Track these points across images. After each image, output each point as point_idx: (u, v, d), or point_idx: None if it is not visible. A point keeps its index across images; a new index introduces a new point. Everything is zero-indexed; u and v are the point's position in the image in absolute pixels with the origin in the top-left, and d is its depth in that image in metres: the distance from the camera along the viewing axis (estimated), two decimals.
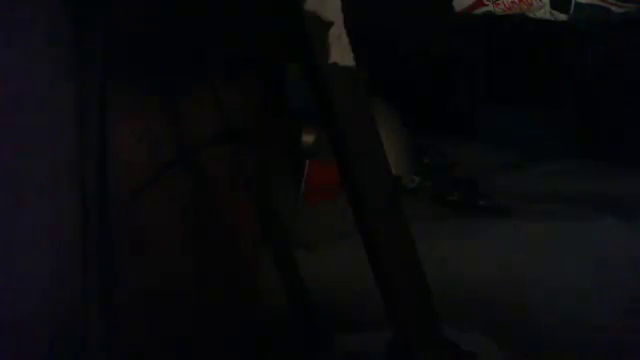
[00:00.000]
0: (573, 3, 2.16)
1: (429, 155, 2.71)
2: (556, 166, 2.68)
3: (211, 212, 1.75)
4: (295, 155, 2.33)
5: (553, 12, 2.16)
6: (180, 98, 1.63)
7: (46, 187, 1.23)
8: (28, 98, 1.18)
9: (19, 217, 1.17)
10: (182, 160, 1.63)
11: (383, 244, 1.15)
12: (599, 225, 2.16)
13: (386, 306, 1.18)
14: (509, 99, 3.02)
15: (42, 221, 1.23)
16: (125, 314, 1.41)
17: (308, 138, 2.29)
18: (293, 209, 2.23)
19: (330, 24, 1.10)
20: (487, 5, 2.14)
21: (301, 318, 1.62)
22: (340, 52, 1.11)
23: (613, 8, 2.17)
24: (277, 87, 2.36)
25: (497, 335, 1.60)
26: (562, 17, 2.17)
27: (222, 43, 1.59)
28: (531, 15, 2.18)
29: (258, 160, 1.77)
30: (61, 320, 1.28)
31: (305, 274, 1.63)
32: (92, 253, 1.32)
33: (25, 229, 1.19)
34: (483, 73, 3.10)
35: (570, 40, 2.71)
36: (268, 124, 2.15)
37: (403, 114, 2.58)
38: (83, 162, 1.32)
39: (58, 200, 1.27)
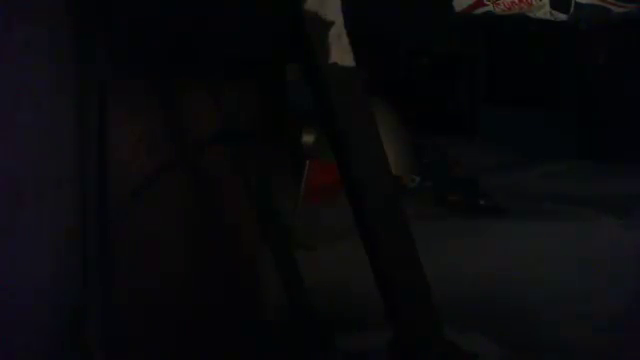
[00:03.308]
0: (573, 3, 2.16)
1: (429, 155, 2.71)
2: (556, 166, 2.69)
3: (211, 212, 1.75)
4: (295, 155, 2.33)
5: (553, 12, 2.16)
6: (180, 98, 1.63)
7: (46, 187, 1.23)
8: (28, 98, 1.18)
9: (19, 217, 1.17)
10: (182, 160, 1.63)
11: (383, 244, 1.16)
12: (599, 225, 2.16)
13: (386, 306, 1.18)
14: (509, 99, 3.02)
15: (42, 221, 1.23)
16: (125, 314, 1.41)
17: (308, 138, 2.30)
18: (293, 209, 2.23)
19: (330, 24, 1.10)
20: (487, 5, 2.14)
21: (301, 318, 1.62)
22: (340, 52, 1.11)
23: (613, 8, 2.17)
24: (277, 87, 2.36)
25: (497, 335, 1.60)
26: (562, 17, 2.17)
27: (222, 43, 1.59)
28: (531, 15, 2.18)
29: (258, 160, 1.77)
30: (61, 320, 1.28)
31: (305, 274, 1.63)
32: (92, 253, 1.32)
33: (25, 229, 1.19)
34: (483, 73, 3.10)
35: (570, 40, 2.71)
36: (268, 124, 2.15)
37: (403, 114, 2.58)
38: (83, 162, 1.32)
39: (58, 200, 1.27)
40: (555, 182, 2.55)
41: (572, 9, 2.16)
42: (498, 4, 2.14)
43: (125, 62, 1.39)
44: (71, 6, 1.27)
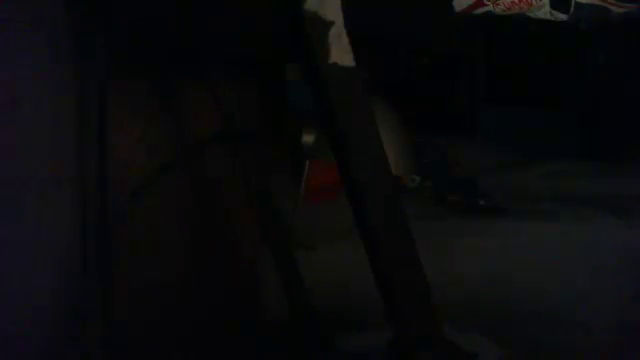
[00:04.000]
0: (573, 3, 2.16)
1: (429, 155, 2.71)
2: (556, 166, 2.69)
3: (211, 212, 1.75)
4: (295, 155, 2.33)
5: (553, 12, 2.16)
6: (180, 98, 1.63)
7: (46, 187, 1.23)
8: (28, 98, 1.18)
9: (19, 217, 1.17)
10: (182, 160, 1.63)
11: (383, 244, 1.16)
12: (599, 225, 2.16)
13: (386, 306, 1.18)
14: (509, 99, 3.02)
15: (42, 221, 1.23)
16: (125, 314, 1.41)
17: (308, 138, 2.29)
18: (293, 209, 2.23)
19: (330, 24, 1.10)
20: (487, 5, 2.14)
21: (301, 318, 1.62)
22: (340, 52, 1.11)
23: (613, 8, 2.17)
24: (277, 87, 2.36)
25: (497, 335, 1.60)
26: (562, 17, 2.17)
27: (222, 43, 1.59)
28: (531, 15, 2.18)
29: (258, 160, 1.77)
30: (61, 320, 1.28)
31: (305, 274, 1.63)
32: (92, 253, 1.32)
33: (25, 229, 1.19)
34: (483, 73, 3.10)
35: (570, 40, 2.71)
36: (268, 124, 2.15)
37: (403, 114, 2.58)
38: (83, 162, 1.32)
39: (58, 200, 1.27)
40: (555, 182, 2.55)
41: (572, 9, 2.16)
42: (498, 4, 2.14)
43: (125, 62, 1.39)
44: (71, 6, 1.27)
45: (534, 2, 2.14)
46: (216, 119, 1.63)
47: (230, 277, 1.75)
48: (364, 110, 1.14)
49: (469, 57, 3.06)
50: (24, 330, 1.20)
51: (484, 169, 2.65)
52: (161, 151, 1.54)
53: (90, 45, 1.31)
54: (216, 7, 1.48)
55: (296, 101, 2.36)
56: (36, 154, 1.21)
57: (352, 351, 1.57)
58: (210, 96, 1.61)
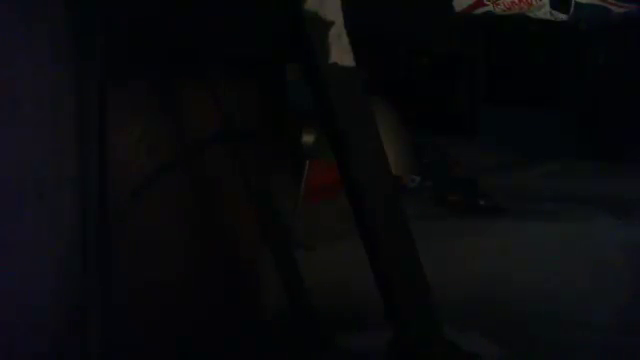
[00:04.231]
0: (573, 3, 2.16)
1: (429, 155, 2.71)
2: (556, 166, 2.68)
3: (211, 212, 1.75)
4: (295, 155, 2.33)
5: (553, 12, 2.16)
6: (180, 98, 1.63)
7: (46, 187, 1.23)
8: (28, 98, 1.18)
9: (19, 217, 1.17)
10: (182, 160, 1.63)
11: (383, 244, 1.16)
12: (599, 225, 2.16)
13: (386, 306, 1.18)
14: (509, 99, 3.01)
15: (42, 221, 1.23)
16: (125, 314, 1.41)
17: (308, 138, 2.29)
18: (293, 209, 2.23)
19: (330, 24, 1.10)
20: (487, 5, 2.14)
21: (301, 318, 1.62)
22: (340, 52, 1.11)
23: (613, 8, 2.17)
24: (277, 87, 2.36)
25: (497, 335, 1.60)
26: (562, 17, 2.17)
27: (222, 43, 1.59)
28: (531, 15, 2.18)
29: (258, 160, 1.77)
30: (61, 320, 1.28)
31: (305, 274, 1.63)
32: (92, 253, 1.32)
33: (25, 229, 1.19)
34: (483, 73, 3.10)
35: (570, 40, 2.71)
36: (268, 124, 2.15)
37: (403, 114, 2.58)
38: (83, 162, 1.32)
39: (58, 200, 1.27)
40: (555, 182, 2.54)
41: (572, 9, 2.16)
42: (498, 4, 2.14)
43: (125, 62, 1.39)
44: (71, 6, 1.27)
45: (534, 2, 2.14)
46: (216, 119, 1.63)
47: (230, 277, 1.75)
48: (364, 110, 1.14)
49: (469, 57, 3.05)
50: (24, 330, 1.20)
51: (484, 169, 2.65)
52: (161, 151, 1.54)
53: (90, 45, 1.31)
54: (216, 7, 1.48)
55: (296, 101, 2.36)
56: (36, 154, 1.21)
57: (352, 351, 1.57)
58: (210, 96, 1.61)
